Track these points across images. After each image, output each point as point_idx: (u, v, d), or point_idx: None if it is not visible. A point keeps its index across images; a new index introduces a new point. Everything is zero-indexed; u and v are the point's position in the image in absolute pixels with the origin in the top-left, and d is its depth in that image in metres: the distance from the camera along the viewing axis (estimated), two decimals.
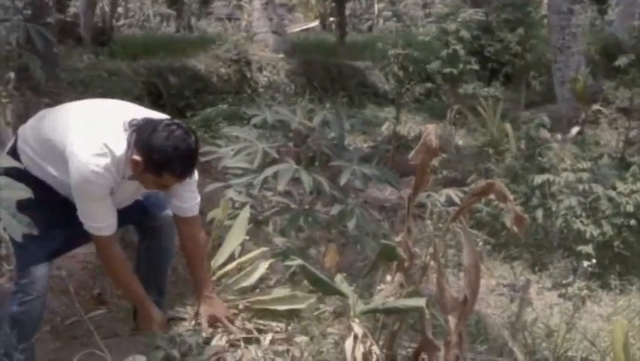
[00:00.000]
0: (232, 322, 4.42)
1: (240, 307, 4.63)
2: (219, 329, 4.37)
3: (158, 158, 3.83)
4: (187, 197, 4.23)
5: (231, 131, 5.22)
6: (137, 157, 3.86)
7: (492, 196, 3.88)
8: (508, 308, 5.52)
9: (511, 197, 3.83)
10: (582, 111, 9.10)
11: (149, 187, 4.09)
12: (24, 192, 3.19)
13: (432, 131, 4.00)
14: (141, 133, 3.86)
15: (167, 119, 3.95)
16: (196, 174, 4.20)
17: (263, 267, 4.71)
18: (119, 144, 3.87)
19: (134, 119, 3.91)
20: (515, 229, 3.84)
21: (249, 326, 4.49)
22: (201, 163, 5.76)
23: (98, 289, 5.08)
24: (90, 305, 4.99)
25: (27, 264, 4.07)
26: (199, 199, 4.34)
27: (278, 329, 4.58)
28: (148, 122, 3.90)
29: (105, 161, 3.85)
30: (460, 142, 8.82)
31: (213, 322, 4.38)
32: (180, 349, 3.61)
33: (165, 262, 4.66)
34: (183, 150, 3.86)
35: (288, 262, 4.44)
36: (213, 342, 4.30)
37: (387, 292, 4.16)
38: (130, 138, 3.87)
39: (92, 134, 3.89)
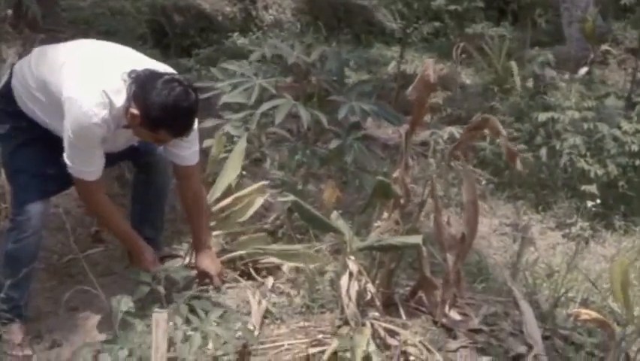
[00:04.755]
0: (223, 281, 4.33)
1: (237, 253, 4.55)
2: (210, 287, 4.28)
3: (156, 115, 3.69)
4: (185, 146, 4.07)
5: (228, 65, 5.05)
6: (134, 110, 3.72)
7: (486, 131, 3.75)
8: (511, 248, 5.42)
9: (504, 132, 3.72)
10: (591, 52, 8.90)
11: (145, 140, 3.98)
12: None
13: (430, 66, 3.86)
14: (141, 87, 3.71)
15: (169, 74, 3.78)
16: (196, 124, 4.02)
17: (259, 202, 4.59)
18: (120, 96, 3.74)
19: (134, 70, 3.76)
20: (511, 164, 3.72)
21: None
22: (201, 100, 5.67)
23: (95, 227, 4.96)
24: (87, 243, 4.90)
25: (23, 201, 3.98)
26: (198, 148, 4.18)
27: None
28: (149, 75, 3.74)
29: (104, 112, 3.73)
30: (468, 81, 8.65)
31: (204, 278, 4.29)
32: (166, 285, 3.46)
33: (161, 197, 4.55)
34: (182, 109, 3.72)
35: (281, 198, 4.33)
36: None
37: (383, 229, 4.05)
38: (129, 90, 3.73)
39: (92, 82, 3.76)
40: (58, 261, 4.73)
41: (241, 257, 4.55)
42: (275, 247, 4.61)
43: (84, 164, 3.88)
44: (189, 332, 3.05)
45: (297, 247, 4.56)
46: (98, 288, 3.97)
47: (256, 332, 4.00)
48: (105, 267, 4.67)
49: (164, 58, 7.58)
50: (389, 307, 4.11)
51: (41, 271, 4.61)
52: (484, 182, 6.27)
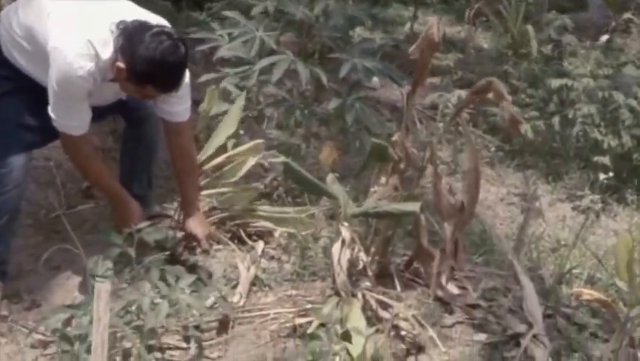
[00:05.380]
0: (211, 244, 4.14)
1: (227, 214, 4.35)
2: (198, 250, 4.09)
3: (142, 70, 3.48)
4: (175, 102, 3.86)
5: (229, 13, 4.79)
6: (120, 64, 3.52)
7: (490, 95, 3.51)
8: (518, 219, 5.16)
9: (508, 97, 3.46)
10: (612, 19, 8.60)
11: (132, 95, 3.77)
12: None
13: (434, 25, 3.61)
14: (128, 39, 3.50)
15: (159, 27, 3.56)
16: (187, 78, 3.81)
17: (251, 161, 4.36)
18: (107, 47, 3.54)
19: (123, 21, 3.54)
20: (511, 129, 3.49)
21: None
22: (199, 53, 5.44)
23: (86, 183, 4.74)
24: (77, 199, 4.69)
25: (5, 153, 3.76)
26: (189, 104, 3.97)
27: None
28: (137, 27, 3.52)
29: (90, 64, 3.53)
30: (484, 45, 8.36)
31: (192, 241, 4.09)
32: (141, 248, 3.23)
33: (151, 153, 4.35)
34: (170, 63, 3.50)
35: (272, 160, 4.11)
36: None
37: (380, 194, 3.82)
38: (116, 42, 3.52)
39: (79, 32, 3.55)
40: (45, 216, 4.51)
41: (231, 218, 4.35)
42: (266, 208, 4.40)
43: (69, 117, 3.67)
44: (157, 300, 2.83)
45: (289, 210, 4.36)
46: (79, 247, 3.76)
47: (242, 300, 3.80)
48: (93, 225, 4.46)
49: (176, 10, 7.39)
50: (384, 277, 3.89)
51: (27, 226, 4.42)
52: (493, 149, 6.01)
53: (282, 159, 3.70)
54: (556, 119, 5.87)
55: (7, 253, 3.91)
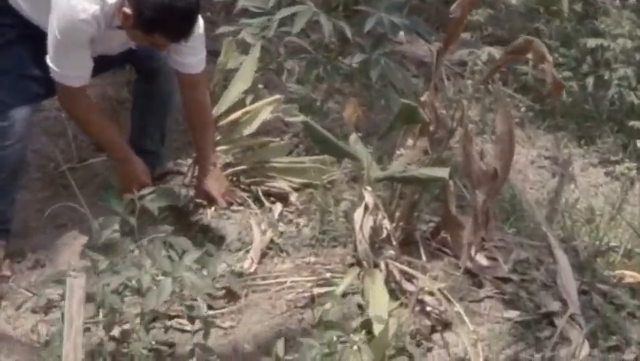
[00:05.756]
0: (230, 203, 3.84)
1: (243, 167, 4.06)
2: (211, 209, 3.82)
3: (149, 16, 3.22)
4: (188, 52, 3.59)
5: None
6: (127, 10, 3.25)
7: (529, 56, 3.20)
8: (548, 183, 4.88)
9: (550, 58, 3.15)
10: None
11: (141, 44, 3.49)
12: None
13: None
14: None
15: None
16: (201, 27, 3.54)
17: (266, 112, 4.08)
18: None
19: None
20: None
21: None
22: (219, 3, 5.14)
23: None
24: (89, 151, 4.43)
25: (6, 106, 3.52)
26: (204, 55, 3.69)
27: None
28: None
29: (94, 7, 3.27)
30: (514, 1, 7.97)
31: (206, 199, 3.82)
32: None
33: (164, 107, 4.08)
34: (178, 9, 3.23)
35: (290, 118, 3.81)
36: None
37: (407, 158, 3.53)
38: None
39: None
40: (54, 170, 4.25)
41: (246, 174, 4.08)
42: (281, 159, 4.12)
43: (69, 67, 3.41)
44: (159, 277, 2.53)
45: (305, 159, 4.09)
46: (85, 206, 3.52)
47: (254, 266, 3.53)
48: (104, 179, 4.20)
49: None
50: (409, 245, 3.61)
51: (35, 180, 4.20)
52: (523, 109, 5.68)
53: (301, 117, 3.39)
54: (590, 81, 5.56)
55: (11, 210, 3.67)
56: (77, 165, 4.29)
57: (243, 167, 4.07)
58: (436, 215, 3.85)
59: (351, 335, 2.83)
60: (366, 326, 3.03)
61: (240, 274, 3.47)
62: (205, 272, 2.59)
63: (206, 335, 2.56)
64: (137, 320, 2.49)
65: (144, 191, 3.38)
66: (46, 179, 4.20)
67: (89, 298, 2.43)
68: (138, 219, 2.80)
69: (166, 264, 2.54)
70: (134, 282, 2.50)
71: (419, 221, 3.77)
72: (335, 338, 2.77)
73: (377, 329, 2.94)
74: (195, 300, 2.76)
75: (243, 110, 4.05)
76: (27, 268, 3.61)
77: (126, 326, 2.61)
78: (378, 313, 3.01)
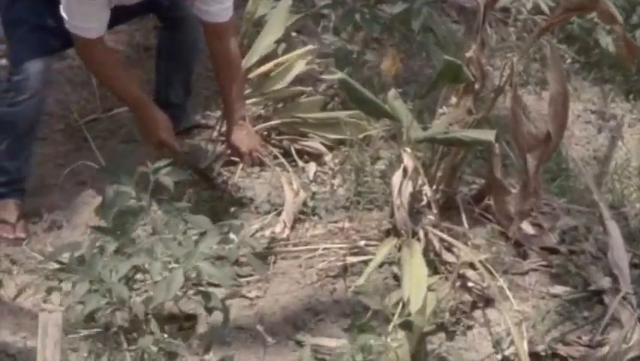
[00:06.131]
0: (261, 160, 3.56)
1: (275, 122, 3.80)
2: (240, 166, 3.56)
3: None
4: (212, 0, 3.33)
5: None
6: None
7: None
8: (595, 140, 4.55)
9: (621, 20, 2.84)
10: None
11: None
12: None
13: None
14: None
15: None
16: None
17: (300, 65, 3.81)
18: None
19: None
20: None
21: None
22: None
23: None
24: (113, 101, 4.15)
25: (20, 58, 3.31)
26: (230, 3, 3.40)
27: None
28: None
29: None
30: None
31: (234, 155, 3.55)
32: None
33: (189, 57, 3.82)
34: None
35: (327, 76, 3.52)
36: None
37: (450, 118, 3.24)
38: None
39: None
40: (77, 121, 3.99)
41: (279, 131, 3.83)
42: (315, 115, 3.85)
43: (83, 18, 3.16)
44: (172, 265, 2.24)
45: (340, 114, 3.80)
46: (103, 164, 3.27)
47: (286, 231, 3.27)
48: (128, 132, 3.96)
49: None
50: (449, 210, 3.34)
51: (57, 132, 3.97)
52: (568, 60, 5.32)
53: (338, 75, 3.10)
54: (639, 33, 5.19)
55: (27, 167, 3.46)
56: (101, 116, 4.06)
57: (274, 122, 3.83)
58: (479, 176, 3.58)
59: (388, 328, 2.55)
60: (406, 327, 2.77)
61: (271, 240, 3.24)
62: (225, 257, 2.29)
63: (225, 322, 2.27)
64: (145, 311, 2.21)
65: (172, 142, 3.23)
66: (68, 131, 3.97)
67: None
68: (154, 191, 2.51)
69: (178, 250, 2.25)
70: (147, 266, 2.22)
71: (460, 183, 3.49)
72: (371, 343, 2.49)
73: (414, 306, 2.68)
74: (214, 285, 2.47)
75: (275, 61, 3.78)
76: (42, 229, 3.39)
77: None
78: (416, 289, 2.75)
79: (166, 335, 2.17)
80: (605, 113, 4.85)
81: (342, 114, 3.80)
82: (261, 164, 3.56)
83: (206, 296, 2.21)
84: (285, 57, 3.81)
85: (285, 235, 3.27)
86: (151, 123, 3.41)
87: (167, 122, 3.42)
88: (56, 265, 2.70)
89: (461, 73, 3.03)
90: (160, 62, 3.81)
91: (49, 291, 2.37)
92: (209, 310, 2.31)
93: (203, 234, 2.27)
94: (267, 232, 3.30)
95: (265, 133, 3.81)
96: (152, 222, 2.35)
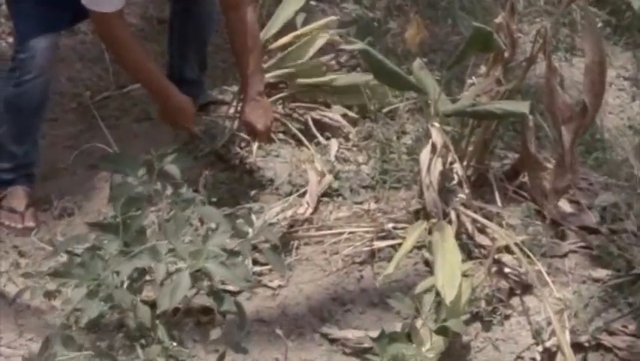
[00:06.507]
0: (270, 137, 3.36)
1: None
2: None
3: None
4: None
5: None
6: None
7: None
8: (629, 108, 4.30)
9: None
10: None
11: None
12: None
13: None
14: None
15: None
16: None
17: (322, 40, 3.58)
18: None
19: None
20: None
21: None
22: None
23: None
24: (127, 77, 3.90)
25: (25, 35, 3.08)
26: None
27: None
28: None
29: None
30: None
31: (253, 134, 3.31)
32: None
33: (204, 30, 3.58)
34: None
35: (347, 46, 3.29)
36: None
37: (479, 89, 3.00)
38: None
39: None
40: (91, 99, 3.77)
41: (296, 100, 3.62)
42: (329, 77, 3.61)
43: None
44: (179, 265, 2.00)
45: (358, 77, 3.59)
46: (114, 146, 3.06)
47: (309, 211, 3.05)
48: (142, 110, 3.75)
49: None
50: (481, 187, 3.11)
51: (69, 111, 3.76)
52: (600, 24, 5.06)
53: (360, 45, 2.86)
54: None
55: (35, 152, 3.26)
56: (115, 93, 3.85)
57: (291, 91, 3.61)
58: (512, 150, 3.35)
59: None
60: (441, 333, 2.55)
61: (293, 223, 3.02)
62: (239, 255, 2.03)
63: (241, 327, 2.04)
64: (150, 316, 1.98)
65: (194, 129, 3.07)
66: (80, 110, 3.77)
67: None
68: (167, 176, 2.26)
69: (184, 251, 1.98)
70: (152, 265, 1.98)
71: (492, 158, 3.25)
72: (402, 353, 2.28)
73: (449, 296, 2.46)
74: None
75: (295, 33, 3.55)
76: (53, 217, 3.18)
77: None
78: (450, 277, 2.52)
79: (175, 343, 1.95)
80: (639, 79, 4.60)
81: (364, 78, 3.57)
82: (270, 140, 3.37)
83: (218, 298, 1.98)
84: (306, 29, 3.58)
85: (307, 216, 3.06)
86: (176, 112, 3.19)
87: (191, 111, 3.23)
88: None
89: (491, 40, 2.80)
90: (173, 35, 3.57)
91: (48, 296, 2.14)
92: (223, 315, 2.08)
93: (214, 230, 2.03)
94: (289, 213, 3.08)
95: (280, 104, 3.61)
96: (159, 216, 2.12)
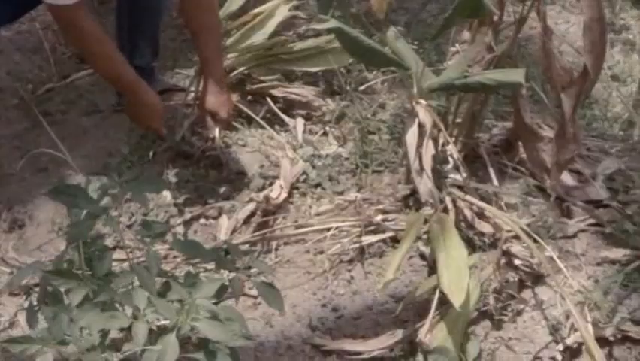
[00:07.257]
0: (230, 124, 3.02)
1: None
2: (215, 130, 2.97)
3: None
4: None
5: None
6: None
7: None
8: (610, 56, 3.98)
9: None
10: None
11: None
12: None
13: None
14: None
15: None
16: None
17: (283, 12, 3.24)
18: None
19: None
20: None
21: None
22: None
23: None
24: (71, 65, 3.61)
25: None
26: None
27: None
28: None
29: None
30: None
31: (212, 120, 2.94)
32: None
33: (154, 11, 3.18)
34: None
35: (316, 25, 2.92)
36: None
37: (467, 57, 2.65)
38: None
39: None
40: (33, 93, 3.42)
41: (256, 80, 3.28)
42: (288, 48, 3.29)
43: None
44: (161, 322, 1.59)
45: (320, 40, 3.25)
46: (66, 153, 2.66)
47: (283, 195, 2.72)
48: (90, 102, 3.38)
49: None
50: (473, 163, 2.78)
51: (11, 108, 3.37)
52: None
53: (331, 22, 2.49)
54: None
55: None
56: (58, 85, 3.48)
57: (249, 65, 3.28)
58: (500, 117, 3.03)
59: None
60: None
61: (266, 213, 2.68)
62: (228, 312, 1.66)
63: None
64: None
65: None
66: (23, 106, 3.38)
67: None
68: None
69: (167, 309, 1.60)
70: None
71: (481, 129, 2.91)
72: None
73: (457, 300, 2.13)
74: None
75: (254, 10, 3.18)
76: (3, 230, 2.80)
77: None
78: (457, 277, 2.19)
79: None
80: (615, 24, 4.28)
81: (321, 41, 3.26)
82: (230, 127, 3.04)
83: (211, 356, 1.61)
84: (265, 6, 3.22)
85: (281, 200, 2.71)
86: (144, 110, 2.85)
87: (161, 111, 2.88)
88: None
89: (482, 4, 2.44)
90: (122, 18, 3.18)
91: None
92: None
93: (190, 277, 1.64)
94: (261, 196, 2.73)
95: (242, 85, 3.28)
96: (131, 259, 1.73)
